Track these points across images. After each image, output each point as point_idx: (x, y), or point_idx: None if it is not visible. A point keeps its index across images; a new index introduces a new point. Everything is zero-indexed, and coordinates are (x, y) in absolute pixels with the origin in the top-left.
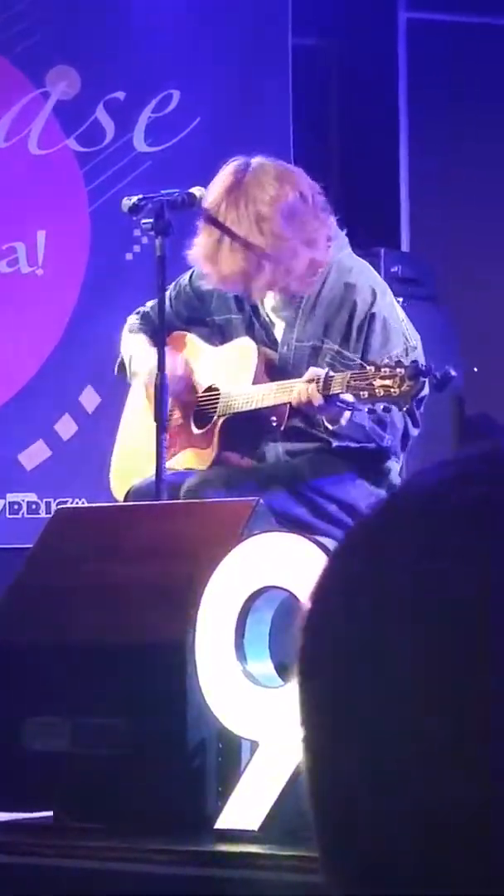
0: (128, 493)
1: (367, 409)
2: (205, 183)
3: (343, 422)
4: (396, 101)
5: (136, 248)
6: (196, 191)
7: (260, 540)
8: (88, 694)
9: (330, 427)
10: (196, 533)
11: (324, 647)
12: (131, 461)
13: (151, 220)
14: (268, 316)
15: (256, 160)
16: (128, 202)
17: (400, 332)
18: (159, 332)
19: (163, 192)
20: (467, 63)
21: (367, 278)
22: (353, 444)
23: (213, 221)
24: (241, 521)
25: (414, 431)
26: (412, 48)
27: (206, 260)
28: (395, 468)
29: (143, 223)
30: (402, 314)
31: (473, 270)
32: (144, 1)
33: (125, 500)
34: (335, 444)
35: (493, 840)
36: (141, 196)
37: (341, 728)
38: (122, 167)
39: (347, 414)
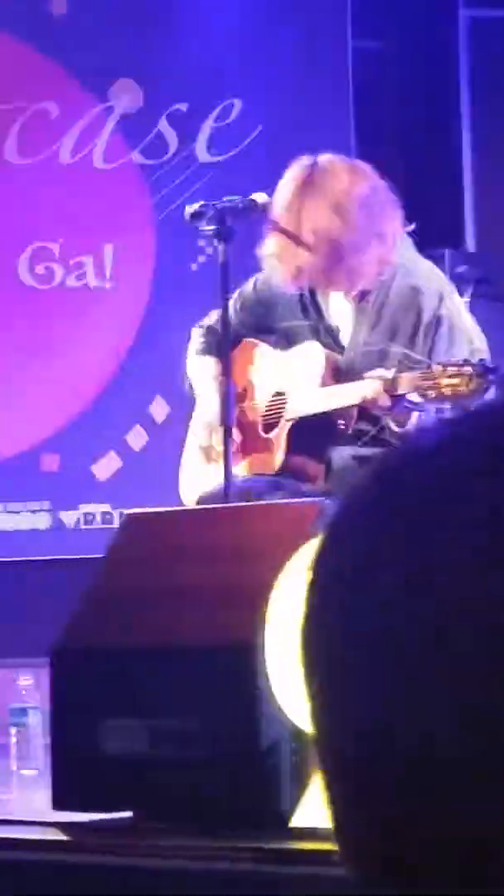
0: (198, 500)
1: (435, 411)
2: (268, 190)
3: (410, 424)
4: (458, 99)
5: (202, 259)
6: (258, 196)
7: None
8: (163, 696)
9: (397, 430)
10: (264, 534)
11: (328, 618)
12: (200, 474)
13: (213, 227)
14: (333, 320)
15: (324, 157)
16: (190, 209)
17: (466, 335)
18: (223, 339)
19: (225, 199)
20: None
21: (433, 281)
22: None
23: (287, 217)
24: (309, 521)
25: None
26: (473, 46)
27: (279, 258)
28: None
29: (205, 230)
30: (468, 316)
31: None
32: (203, 11)
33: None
34: None
35: None
36: (203, 203)
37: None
38: (185, 178)
39: (415, 416)
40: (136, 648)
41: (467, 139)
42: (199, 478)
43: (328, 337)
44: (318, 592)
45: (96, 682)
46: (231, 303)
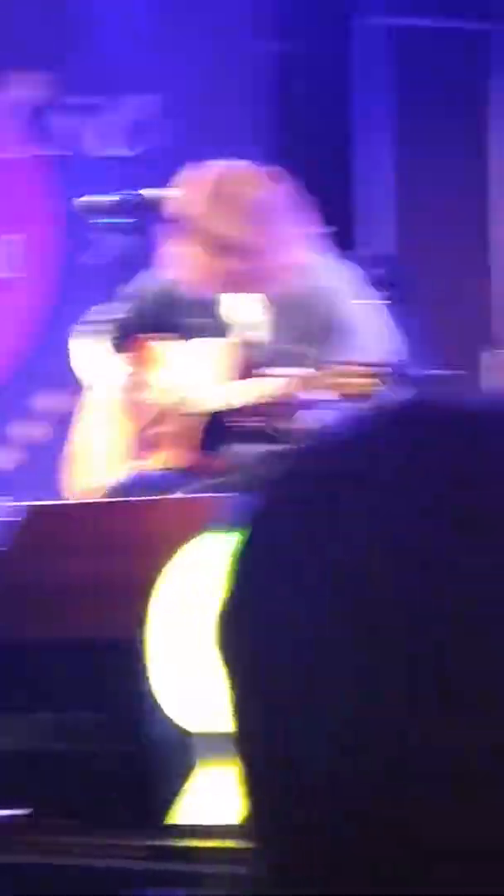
0: (104, 493)
1: (327, 408)
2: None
3: (300, 422)
4: (349, 98)
5: (98, 250)
6: (145, 192)
7: (216, 537)
8: (48, 692)
9: (287, 427)
10: (152, 529)
11: (246, 620)
12: (99, 463)
13: (111, 220)
14: (239, 319)
15: (231, 163)
16: (89, 201)
17: (369, 334)
18: (125, 334)
19: (123, 192)
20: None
21: (335, 280)
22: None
23: (192, 226)
24: (198, 516)
25: None
26: (362, 50)
27: (185, 265)
28: None
29: (98, 223)
30: (373, 317)
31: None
32: (113, 6)
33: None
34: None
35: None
36: (104, 195)
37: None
38: (94, 171)
39: (309, 414)
40: (22, 643)
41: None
42: (96, 471)
43: (233, 335)
44: (236, 590)
45: None
46: (130, 301)
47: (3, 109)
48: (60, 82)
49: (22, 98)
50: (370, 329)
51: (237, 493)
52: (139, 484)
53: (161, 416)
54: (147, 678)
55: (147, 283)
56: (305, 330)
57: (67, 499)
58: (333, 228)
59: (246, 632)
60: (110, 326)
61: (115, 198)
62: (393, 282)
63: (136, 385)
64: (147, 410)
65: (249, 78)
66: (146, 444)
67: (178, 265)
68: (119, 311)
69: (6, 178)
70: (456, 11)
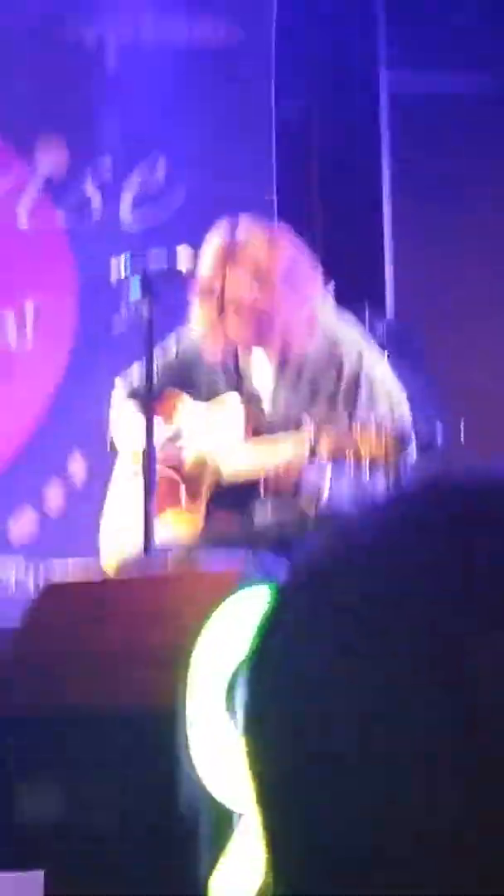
0: (119, 568)
1: (352, 473)
2: (193, 249)
3: (321, 489)
4: (379, 157)
5: (123, 314)
6: (180, 249)
7: (244, 595)
8: (79, 761)
9: (310, 495)
10: (184, 601)
11: (273, 686)
12: (121, 532)
13: (138, 280)
14: (255, 384)
15: (244, 223)
16: (114, 264)
17: (386, 392)
18: (146, 400)
19: (150, 251)
20: (450, 128)
21: (353, 337)
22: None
23: (211, 289)
24: (229, 589)
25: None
26: (393, 112)
27: (207, 330)
28: None
29: (130, 284)
30: (389, 373)
31: (457, 327)
32: (130, 73)
33: (117, 574)
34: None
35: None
36: (125, 257)
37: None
38: (108, 237)
39: (326, 488)
40: (53, 713)
41: (387, 191)
42: (120, 541)
43: (250, 401)
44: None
45: (9, 747)
46: (155, 362)
47: (21, 178)
48: (80, 150)
49: (40, 166)
50: (391, 386)
51: (263, 553)
52: (153, 556)
53: (180, 476)
54: (184, 747)
55: (168, 349)
56: (327, 389)
57: (101, 566)
58: (357, 293)
59: (270, 697)
60: (139, 387)
61: (146, 256)
62: (414, 346)
63: (161, 444)
64: (165, 475)
65: (268, 137)
66: (167, 501)
67: (199, 332)
68: (147, 371)
69: (25, 245)
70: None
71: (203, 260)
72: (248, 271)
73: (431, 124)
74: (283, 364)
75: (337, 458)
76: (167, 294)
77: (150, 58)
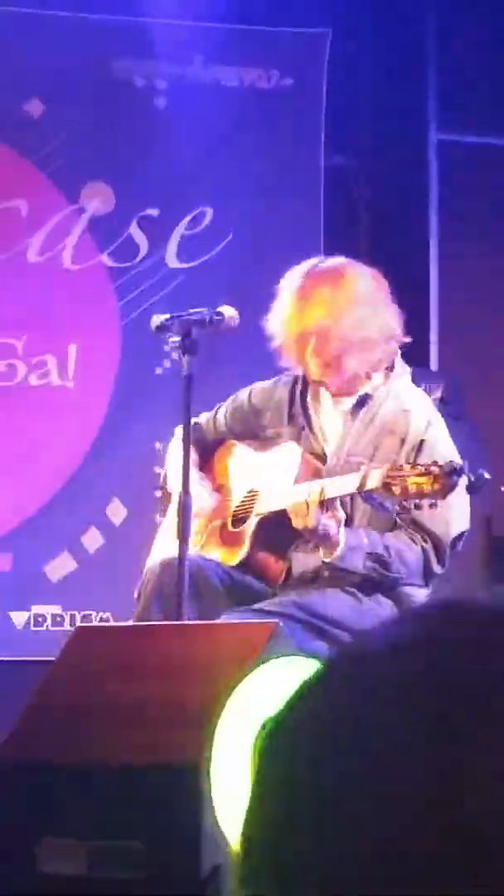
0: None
1: (399, 507)
2: (235, 299)
3: (339, 553)
4: (427, 220)
5: (167, 364)
6: (224, 309)
7: (278, 664)
8: (102, 815)
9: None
10: (215, 654)
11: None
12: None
13: (179, 339)
14: (321, 431)
15: (327, 259)
16: (156, 320)
17: (442, 456)
18: (185, 451)
19: (191, 310)
20: (496, 183)
21: (423, 407)
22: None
23: (285, 319)
24: (260, 643)
25: (437, 569)
26: (442, 168)
27: (291, 349)
28: (420, 595)
29: (171, 341)
30: (450, 442)
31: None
32: (179, 119)
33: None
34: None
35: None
36: (169, 315)
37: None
38: (153, 283)
39: (340, 548)
40: (77, 765)
41: (434, 257)
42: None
43: (312, 444)
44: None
45: (35, 798)
46: (222, 408)
47: (71, 221)
48: (128, 195)
49: (88, 209)
50: (451, 454)
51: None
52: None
53: (225, 519)
54: (210, 804)
55: (241, 393)
56: (391, 448)
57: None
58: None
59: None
60: (198, 434)
61: (190, 315)
62: (442, 398)
63: (215, 490)
64: (214, 512)
65: (316, 191)
66: (205, 544)
67: (288, 351)
68: (185, 424)
69: (70, 287)
70: None
71: (290, 284)
72: (326, 302)
73: (477, 176)
74: (353, 414)
75: (386, 492)
76: (207, 349)
77: (200, 103)
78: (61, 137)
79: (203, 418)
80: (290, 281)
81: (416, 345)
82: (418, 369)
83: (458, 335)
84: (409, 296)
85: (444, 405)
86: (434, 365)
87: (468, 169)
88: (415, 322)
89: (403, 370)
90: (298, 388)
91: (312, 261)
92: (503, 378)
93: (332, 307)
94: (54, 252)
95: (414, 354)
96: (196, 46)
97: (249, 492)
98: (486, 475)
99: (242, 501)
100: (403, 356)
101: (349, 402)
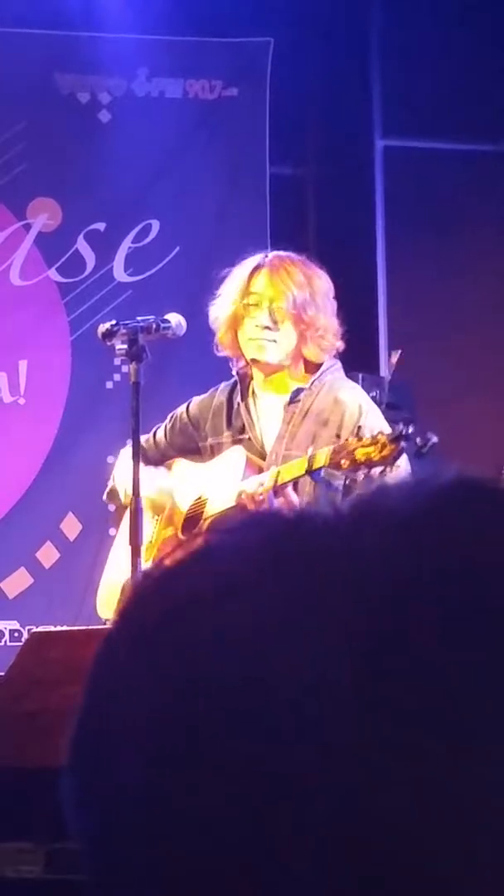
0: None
1: (346, 480)
2: (185, 310)
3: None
4: (374, 226)
5: (117, 377)
6: (171, 317)
7: None
8: (59, 818)
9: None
10: None
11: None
12: (117, 586)
13: (126, 347)
14: (260, 430)
15: (279, 252)
16: (103, 328)
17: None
18: (135, 457)
19: (138, 318)
20: (441, 186)
21: (356, 396)
22: None
23: (249, 296)
24: None
25: None
26: (388, 173)
27: (230, 326)
28: None
29: (118, 349)
30: (385, 425)
31: (451, 393)
32: (124, 132)
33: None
34: None
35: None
36: (115, 322)
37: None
38: (102, 297)
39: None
40: (32, 769)
41: (381, 263)
42: (115, 596)
43: (251, 445)
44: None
45: None
46: (161, 427)
47: (19, 238)
48: (75, 210)
49: (35, 225)
50: (378, 423)
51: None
52: None
53: (176, 527)
54: None
55: (180, 408)
56: (328, 439)
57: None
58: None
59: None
60: (147, 444)
61: (136, 322)
62: (390, 403)
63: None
64: (165, 522)
65: (262, 200)
66: (159, 556)
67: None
68: (134, 430)
69: (19, 303)
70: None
71: (241, 273)
72: (292, 279)
73: (423, 181)
74: (291, 406)
75: (335, 468)
76: (157, 360)
77: (144, 115)
78: (6, 154)
79: (142, 439)
80: (250, 261)
81: (365, 351)
82: (368, 375)
83: (406, 340)
84: (356, 302)
85: (394, 411)
86: (384, 371)
87: (414, 173)
88: (362, 327)
89: (333, 363)
90: (237, 392)
91: (260, 255)
92: (450, 381)
93: (305, 281)
94: (2, 268)
95: (363, 360)
96: (139, 59)
97: (197, 499)
98: (434, 438)
99: (191, 507)
100: (352, 362)
101: (283, 399)
